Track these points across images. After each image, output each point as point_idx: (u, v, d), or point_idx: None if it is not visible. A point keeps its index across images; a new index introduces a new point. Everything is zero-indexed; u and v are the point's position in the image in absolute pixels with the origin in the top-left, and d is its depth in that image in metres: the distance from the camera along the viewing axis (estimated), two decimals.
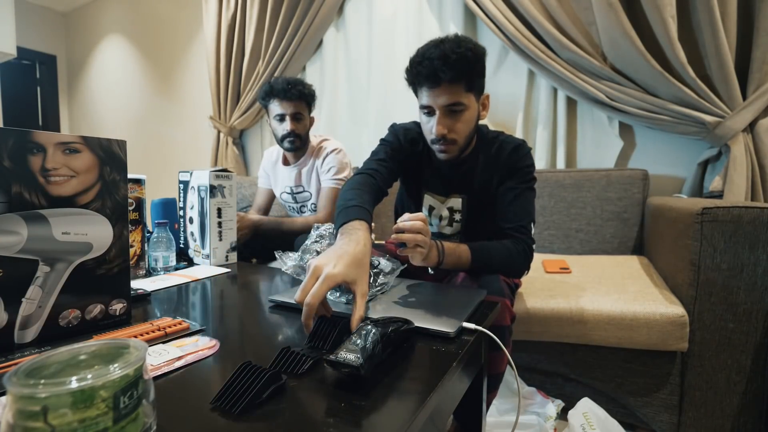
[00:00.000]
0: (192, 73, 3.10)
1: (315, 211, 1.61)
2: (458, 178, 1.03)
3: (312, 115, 1.58)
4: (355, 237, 0.69)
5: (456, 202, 1.04)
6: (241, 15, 2.53)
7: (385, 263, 0.78)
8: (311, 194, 1.61)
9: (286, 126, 1.48)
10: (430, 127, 0.92)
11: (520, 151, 0.98)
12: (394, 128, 1.07)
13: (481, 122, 1.00)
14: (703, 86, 1.43)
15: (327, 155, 1.54)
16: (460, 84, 0.87)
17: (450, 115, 0.90)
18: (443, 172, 1.04)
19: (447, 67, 0.84)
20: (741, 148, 1.39)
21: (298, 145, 1.53)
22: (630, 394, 1.07)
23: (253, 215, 1.56)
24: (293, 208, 1.70)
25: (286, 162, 1.63)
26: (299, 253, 0.78)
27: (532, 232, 0.95)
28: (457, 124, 0.91)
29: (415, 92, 0.94)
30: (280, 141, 1.53)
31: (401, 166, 1.04)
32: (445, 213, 1.05)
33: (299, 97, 1.48)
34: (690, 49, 1.47)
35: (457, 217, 1.04)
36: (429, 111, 0.92)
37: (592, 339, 1.05)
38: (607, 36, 1.53)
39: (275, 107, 1.49)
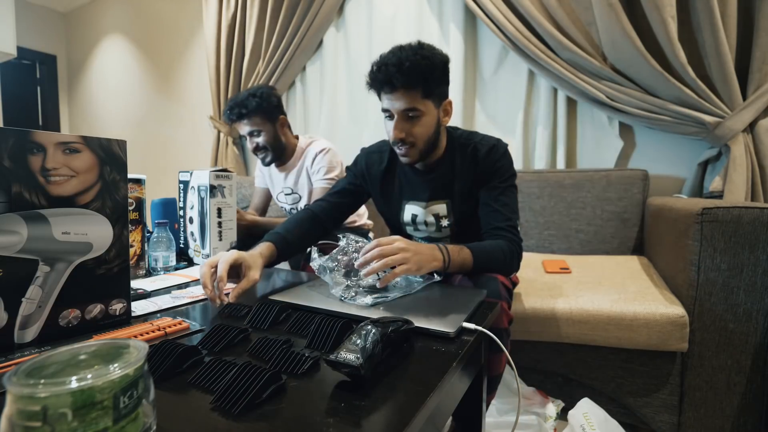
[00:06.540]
0: (192, 73, 3.09)
1: None
2: (436, 183, 1.02)
3: (282, 115, 1.52)
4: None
5: (441, 208, 1.03)
6: (241, 15, 2.53)
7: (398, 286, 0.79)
8: (301, 196, 1.61)
9: (249, 145, 1.51)
10: (389, 131, 0.95)
11: (496, 150, 0.98)
12: (358, 155, 1.15)
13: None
14: (703, 86, 1.42)
15: (315, 157, 1.53)
16: (416, 90, 0.89)
17: (408, 120, 0.93)
18: (419, 178, 1.05)
19: (401, 74, 0.87)
20: (741, 149, 1.39)
21: (272, 158, 1.53)
22: (630, 394, 1.07)
23: (250, 216, 1.56)
24: (288, 210, 1.71)
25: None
26: (332, 256, 0.82)
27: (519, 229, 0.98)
28: (414, 128, 0.93)
29: (378, 96, 0.96)
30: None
31: (363, 190, 1.13)
32: (431, 219, 1.05)
33: (248, 115, 1.43)
34: (690, 49, 1.47)
35: (445, 222, 1.04)
36: (389, 115, 0.95)
37: (592, 339, 1.05)
38: (607, 36, 1.53)
39: (237, 129, 1.52)
